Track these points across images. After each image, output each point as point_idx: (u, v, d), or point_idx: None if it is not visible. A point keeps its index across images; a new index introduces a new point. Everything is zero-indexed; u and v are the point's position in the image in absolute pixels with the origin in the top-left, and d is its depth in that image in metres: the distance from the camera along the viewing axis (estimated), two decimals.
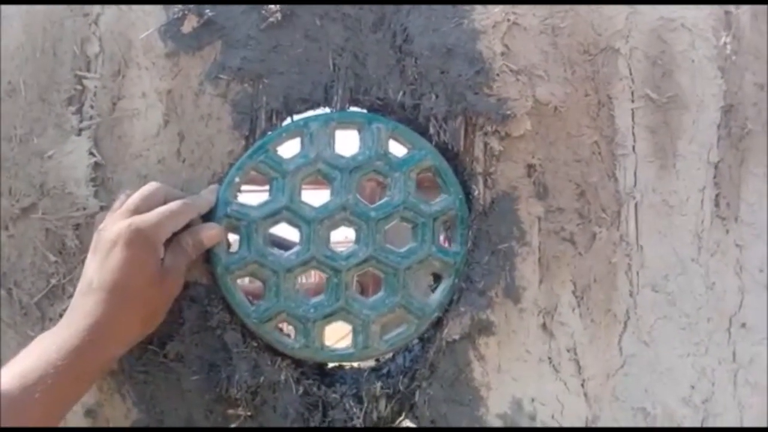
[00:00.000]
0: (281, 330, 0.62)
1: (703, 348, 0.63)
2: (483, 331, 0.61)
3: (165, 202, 0.55)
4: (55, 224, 0.59)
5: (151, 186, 0.56)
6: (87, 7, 0.60)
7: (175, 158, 0.60)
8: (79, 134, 0.60)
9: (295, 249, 0.60)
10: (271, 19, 0.60)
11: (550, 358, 0.62)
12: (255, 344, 0.60)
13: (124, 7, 0.60)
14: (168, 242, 0.54)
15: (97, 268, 0.51)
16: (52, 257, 0.58)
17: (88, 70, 0.61)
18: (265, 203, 0.59)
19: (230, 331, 0.59)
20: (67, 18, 0.60)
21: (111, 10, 0.60)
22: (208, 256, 0.59)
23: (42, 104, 0.60)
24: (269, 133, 0.60)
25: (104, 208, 0.58)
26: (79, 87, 0.60)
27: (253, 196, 0.62)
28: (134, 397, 0.59)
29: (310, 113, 0.63)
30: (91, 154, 0.60)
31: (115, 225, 0.53)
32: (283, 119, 0.62)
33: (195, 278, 0.59)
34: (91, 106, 0.60)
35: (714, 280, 0.64)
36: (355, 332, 0.61)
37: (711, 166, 0.65)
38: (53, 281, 0.58)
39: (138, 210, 0.54)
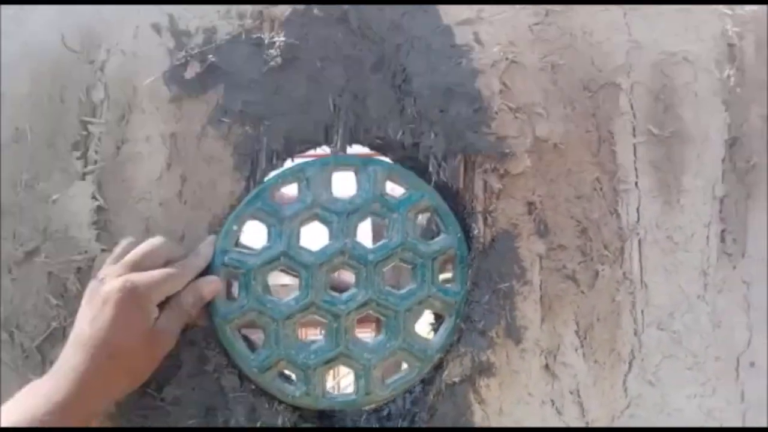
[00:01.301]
0: (282, 373, 0.61)
1: (711, 388, 0.62)
2: (484, 373, 0.60)
3: (167, 259, 0.56)
4: (57, 267, 0.59)
5: (154, 242, 0.57)
6: (92, 54, 0.62)
7: (177, 200, 0.61)
8: (83, 178, 0.61)
9: (294, 295, 0.60)
10: (272, 63, 0.61)
11: (552, 401, 0.61)
12: (253, 387, 0.59)
13: (128, 52, 0.61)
14: (166, 302, 0.55)
15: (89, 322, 0.52)
16: (54, 300, 0.59)
17: (94, 116, 0.62)
18: (263, 250, 0.60)
19: (227, 374, 0.59)
20: (74, 65, 0.62)
21: (116, 56, 0.61)
22: (207, 304, 0.59)
23: (48, 150, 0.61)
24: (266, 179, 0.61)
25: (105, 251, 0.59)
26: (84, 132, 0.61)
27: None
28: None
29: (311, 153, 0.63)
30: (94, 198, 0.61)
31: (111, 280, 0.53)
32: (284, 159, 0.62)
33: (193, 321, 0.59)
34: (96, 151, 0.61)
35: (721, 318, 0.63)
36: (356, 377, 0.60)
37: (716, 200, 0.64)
38: (54, 324, 0.59)
39: (138, 266, 0.55)
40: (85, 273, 0.60)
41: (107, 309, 0.52)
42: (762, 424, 0.61)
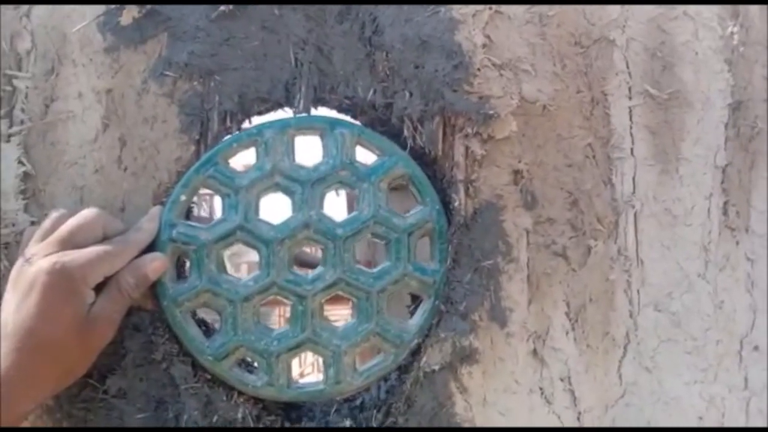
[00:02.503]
0: (242, 363, 0.55)
1: (712, 374, 0.57)
2: (466, 360, 0.54)
3: (104, 234, 0.49)
4: None
5: (89, 213, 0.49)
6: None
7: (116, 166, 0.54)
8: (7, 141, 0.53)
9: (253, 274, 0.53)
10: (222, 8, 0.53)
11: (541, 389, 0.55)
12: (208, 377, 0.53)
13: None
14: (103, 284, 0.48)
15: (14, 310, 0.46)
16: None
17: (19, 69, 0.54)
18: (216, 223, 0.52)
19: (178, 363, 0.52)
20: None
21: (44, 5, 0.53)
22: (153, 285, 0.52)
23: None
24: (219, 143, 0.54)
25: (36, 224, 0.52)
26: (8, 88, 0.54)
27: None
28: None
29: (270, 116, 0.56)
30: (21, 162, 0.53)
31: (39, 260, 0.46)
32: (240, 122, 0.55)
33: (138, 304, 0.52)
34: (22, 110, 0.53)
35: (723, 298, 0.57)
36: (325, 365, 0.54)
37: (718, 170, 0.58)
38: None
39: (70, 242, 0.47)
40: (13, 249, 0.53)
41: (33, 294, 0.45)
42: (765, 411, 0.56)
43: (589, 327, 0.56)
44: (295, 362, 0.56)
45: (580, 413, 0.55)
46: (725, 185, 0.58)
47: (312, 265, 1.30)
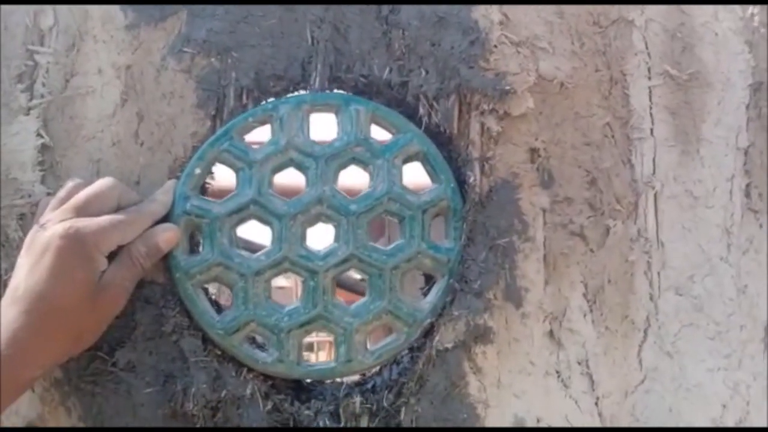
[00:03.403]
0: (253, 340, 0.54)
1: (736, 360, 0.55)
2: (480, 339, 0.53)
3: (118, 205, 0.50)
4: None
5: (104, 183, 0.50)
6: None
7: (132, 141, 0.54)
8: (27, 114, 0.54)
9: (266, 249, 0.53)
10: None
11: (558, 372, 0.53)
12: (218, 352, 0.52)
13: None
14: (116, 253, 0.48)
15: (26, 274, 0.46)
16: None
17: (41, 45, 0.55)
18: (230, 198, 0.52)
19: (188, 337, 0.51)
20: None
21: None
22: (165, 257, 0.52)
23: None
24: (235, 118, 0.54)
25: (51, 195, 0.52)
26: (30, 62, 0.54)
27: None
28: (80, 410, 0.52)
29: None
30: (39, 135, 0.54)
31: (53, 225, 0.46)
32: (255, 98, 0.55)
33: (150, 277, 0.52)
34: (43, 84, 0.54)
35: (746, 282, 0.56)
36: (336, 343, 0.53)
37: (740, 151, 0.57)
38: None
39: (85, 210, 0.48)
40: (28, 219, 0.53)
41: (46, 258, 0.45)
42: None
43: (607, 309, 0.54)
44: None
45: (598, 398, 0.53)
46: (747, 167, 0.57)
47: (353, 290, 1.26)
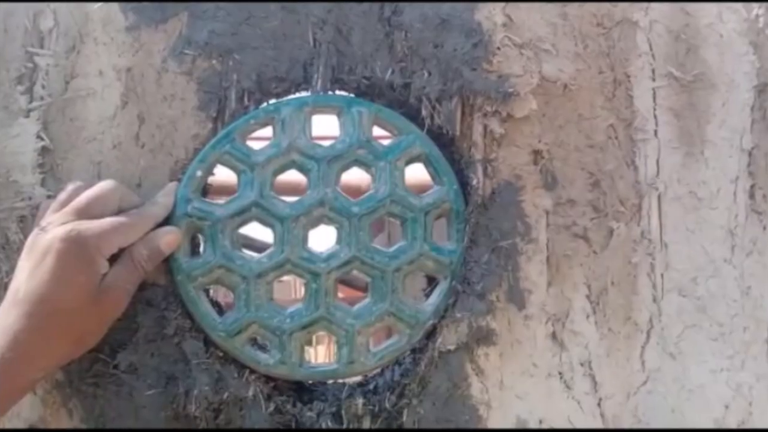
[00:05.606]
0: (255, 342, 0.54)
1: (739, 362, 0.55)
2: (482, 341, 0.53)
3: (120, 207, 0.50)
4: None
5: (105, 185, 0.50)
6: None
7: (133, 143, 0.54)
8: (27, 116, 0.54)
9: (268, 251, 0.53)
10: None
11: (560, 373, 0.53)
12: (219, 354, 0.52)
13: None
14: (117, 255, 0.48)
15: (27, 277, 0.46)
16: None
17: (41, 46, 0.54)
18: (232, 200, 0.52)
19: (190, 339, 0.51)
20: None
21: None
22: (167, 260, 0.52)
23: None
24: (236, 120, 0.54)
25: (51, 198, 0.52)
26: (29, 64, 0.54)
27: None
28: (82, 412, 0.52)
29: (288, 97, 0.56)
30: (40, 137, 0.53)
31: (54, 228, 0.46)
32: (257, 100, 0.55)
33: (152, 279, 0.52)
34: (42, 86, 0.54)
35: (750, 283, 0.56)
36: (338, 345, 0.53)
37: (744, 153, 0.57)
38: None
39: (86, 212, 0.48)
40: (28, 222, 0.53)
41: (48, 261, 0.45)
42: None
43: (610, 311, 0.54)
44: None
45: (600, 399, 0.54)
46: (751, 168, 0.57)
47: (353, 285, 1.27)
